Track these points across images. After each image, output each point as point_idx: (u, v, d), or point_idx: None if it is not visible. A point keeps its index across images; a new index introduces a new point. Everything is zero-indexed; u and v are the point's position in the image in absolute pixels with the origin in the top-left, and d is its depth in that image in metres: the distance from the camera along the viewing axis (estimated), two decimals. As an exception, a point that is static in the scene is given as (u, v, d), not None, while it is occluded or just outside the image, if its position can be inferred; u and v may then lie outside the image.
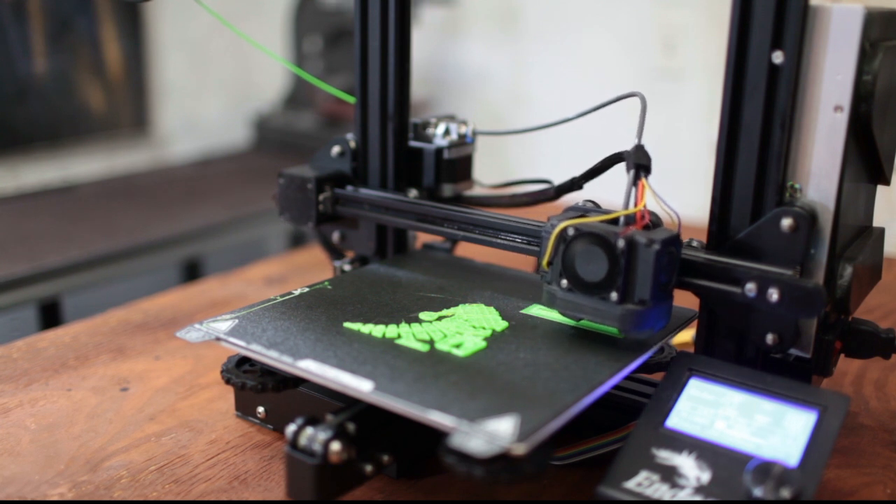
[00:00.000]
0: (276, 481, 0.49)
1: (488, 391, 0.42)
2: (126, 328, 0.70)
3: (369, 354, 0.45)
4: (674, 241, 0.45)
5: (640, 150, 0.48)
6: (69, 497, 0.47)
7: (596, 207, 0.50)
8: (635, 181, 0.47)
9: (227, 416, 0.56)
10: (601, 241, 0.45)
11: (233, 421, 0.56)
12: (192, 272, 1.42)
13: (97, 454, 0.51)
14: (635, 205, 0.47)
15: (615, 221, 0.47)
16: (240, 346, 0.46)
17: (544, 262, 0.48)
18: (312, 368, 0.44)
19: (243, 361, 0.50)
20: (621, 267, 0.45)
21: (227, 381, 0.49)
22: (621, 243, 0.44)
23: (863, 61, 0.43)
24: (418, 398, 0.40)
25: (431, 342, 0.47)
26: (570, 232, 0.46)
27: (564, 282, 0.47)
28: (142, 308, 0.75)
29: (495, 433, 0.37)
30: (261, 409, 0.55)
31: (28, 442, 0.52)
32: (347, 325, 0.49)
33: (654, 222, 0.47)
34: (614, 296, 0.45)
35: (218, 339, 0.47)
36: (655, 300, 0.45)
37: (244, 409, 0.56)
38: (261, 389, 0.48)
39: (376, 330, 0.49)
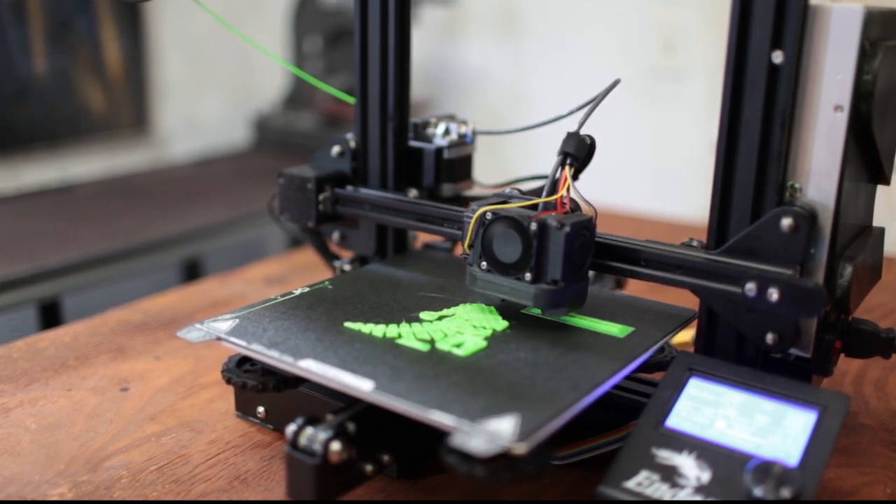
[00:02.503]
0: (277, 481, 0.49)
1: (489, 391, 0.42)
2: (126, 328, 0.70)
3: (370, 354, 0.45)
4: (586, 226, 0.48)
5: (572, 137, 0.50)
6: (69, 497, 0.47)
7: (520, 195, 0.53)
8: (560, 168, 0.50)
9: (228, 416, 0.56)
10: (515, 225, 0.48)
11: (233, 421, 0.56)
12: (191, 272, 1.42)
13: (97, 454, 0.51)
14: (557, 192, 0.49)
15: (535, 207, 0.49)
16: (241, 346, 0.46)
17: (466, 244, 0.51)
18: (313, 368, 0.44)
19: (244, 361, 0.50)
20: (534, 248, 0.47)
21: (228, 381, 0.49)
22: (533, 226, 0.47)
23: (863, 61, 0.43)
24: (419, 398, 0.40)
25: (432, 342, 0.47)
26: (488, 216, 0.49)
27: (484, 263, 0.50)
28: (142, 308, 0.75)
29: (496, 433, 0.37)
30: (261, 409, 0.55)
31: (28, 442, 0.52)
32: (348, 324, 0.49)
33: (574, 210, 0.49)
34: (528, 276, 0.48)
35: (219, 338, 0.47)
36: (568, 281, 0.48)
37: (244, 409, 0.56)
38: (261, 389, 0.48)
39: (377, 330, 0.49)
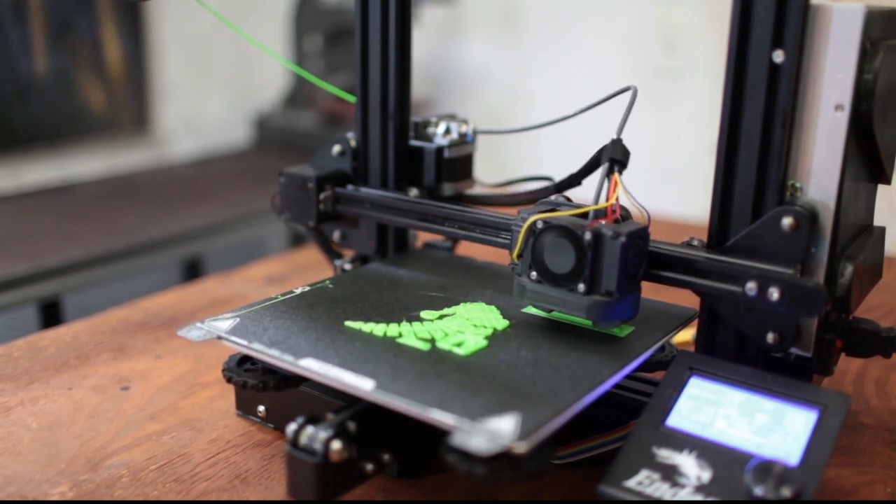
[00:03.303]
0: (277, 480, 0.49)
1: (489, 390, 0.42)
2: (127, 327, 0.70)
3: (370, 353, 0.45)
4: (641, 234, 0.46)
5: (616, 144, 0.49)
6: (70, 496, 0.47)
7: (567, 202, 0.51)
8: (608, 175, 0.48)
9: (228, 415, 0.56)
10: (569, 234, 0.46)
11: (233, 420, 0.56)
12: (192, 271, 1.42)
13: (98, 453, 0.51)
14: (607, 199, 0.48)
15: (585, 215, 0.48)
16: (241, 345, 0.46)
17: (514, 254, 0.49)
18: (314, 367, 0.44)
19: (244, 360, 0.51)
20: (588, 259, 0.46)
21: (229, 380, 0.49)
22: (588, 236, 0.45)
23: (863, 60, 0.43)
24: (420, 397, 0.40)
25: (433, 341, 0.47)
26: (539, 225, 0.48)
27: (534, 273, 0.48)
28: (142, 307, 0.75)
29: (497, 432, 0.37)
30: (261, 408, 0.55)
31: (29, 441, 0.52)
32: (349, 323, 0.49)
33: (625, 217, 0.48)
34: (581, 287, 0.46)
35: (219, 337, 0.47)
36: (622, 292, 0.46)
37: (245, 408, 0.56)
38: (262, 388, 0.48)
39: (377, 329, 0.49)
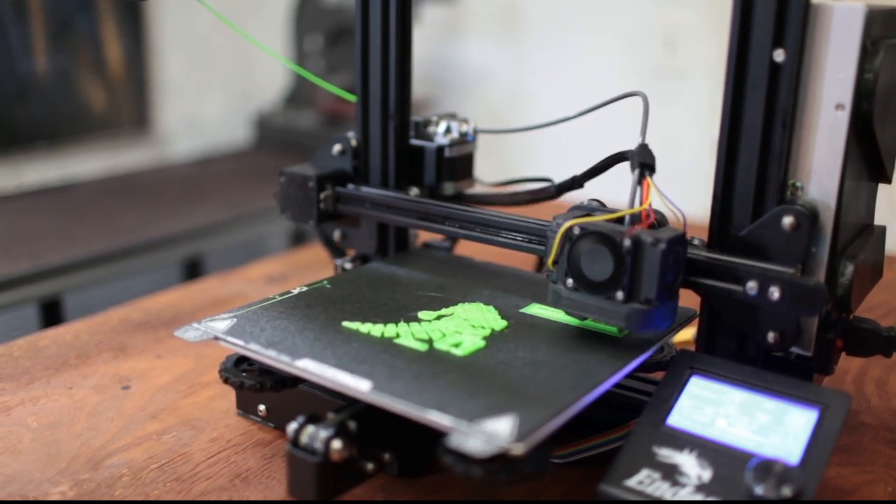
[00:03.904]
0: (278, 479, 0.49)
1: (487, 391, 0.41)
2: (127, 327, 0.70)
3: (368, 354, 0.45)
4: (679, 241, 0.45)
5: (644, 148, 0.48)
6: (70, 495, 0.47)
7: (601, 206, 0.50)
8: (640, 180, 0.47)
9: (229, 415, 0.56)
10: (607, 241, 0.45)
11: (234, 419, 0.56)
12: (192, 271, 1.42)
13: (98, 452, 0.51)
14: (640, 204, 0.47)
15: (620, 220, 0.47)
16: (238, 346, 0.46)
17: (550, 260, 0.48)
18: (310, 368, 0.44)
19: (242, 360, 0.50)
20: (627, 266, 0.44)
21: (226, 381, 0.49)
22: (627, 242, 0.44)
23: (864, 59, 0.43)
24: (417, 398, 0.40)
25: (430, 341, 0.47)
26: (576, 231, 0.46)
27: (570, 281, 0.47)
28: (143, 306, 0.75)
29: (494, 433, 0.37)
30: (262, 408, 0.55)
31: (29, 440, 0.52)
32: (346, 324, 0.49)
33: (660, 221, 0.47)
34: (620, 295, 0.45)
35: (216, 338, 0.47)
36: (661, 299, 0.45)
37: (245, 407, 0.56)
38: (259, 389, 0.48)
39: (375, 329, 0.49)
